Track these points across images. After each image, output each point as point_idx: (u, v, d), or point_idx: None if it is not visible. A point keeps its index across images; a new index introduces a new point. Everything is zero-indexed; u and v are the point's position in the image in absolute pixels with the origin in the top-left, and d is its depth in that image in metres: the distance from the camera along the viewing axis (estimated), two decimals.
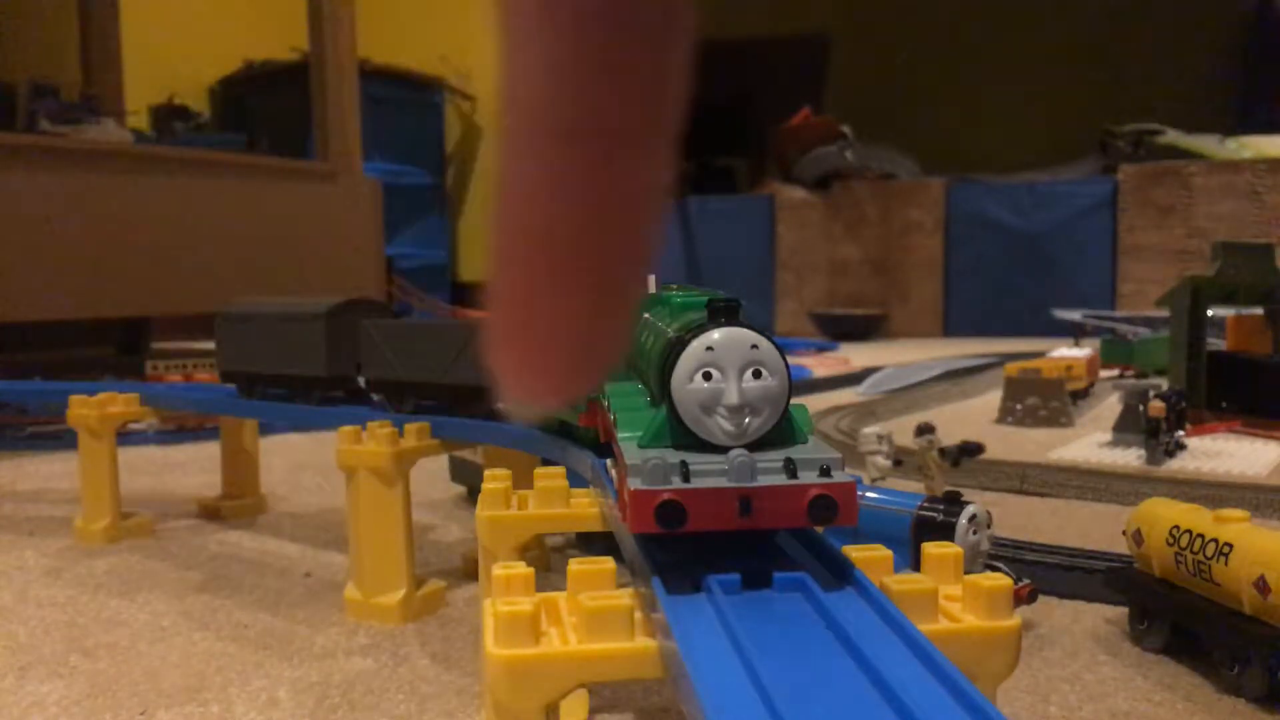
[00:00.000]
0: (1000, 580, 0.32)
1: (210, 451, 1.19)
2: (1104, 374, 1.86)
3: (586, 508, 0.48)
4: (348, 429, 0.68)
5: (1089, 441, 1.32)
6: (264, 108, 4.04)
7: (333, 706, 0.54)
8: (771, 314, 3.68)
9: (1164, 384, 1.37)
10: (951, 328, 3.50)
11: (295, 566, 0.82)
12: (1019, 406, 1.51)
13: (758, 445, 0.32)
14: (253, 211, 1.96)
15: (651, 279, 0.47)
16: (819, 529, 0.34)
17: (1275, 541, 0.53)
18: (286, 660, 0.61)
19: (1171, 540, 0.59)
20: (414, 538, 0.70)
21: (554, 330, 0.16)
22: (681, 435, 0.33)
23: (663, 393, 0.33)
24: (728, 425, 0.32)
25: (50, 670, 0.60)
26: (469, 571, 0.79)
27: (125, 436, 1.40)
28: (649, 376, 0.37)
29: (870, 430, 0.78)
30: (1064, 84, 4.00)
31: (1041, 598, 0.67)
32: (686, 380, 0.33)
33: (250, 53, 4.13)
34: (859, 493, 0.59)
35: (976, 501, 0.58)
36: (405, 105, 4.28)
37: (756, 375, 0.32)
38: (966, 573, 0.34)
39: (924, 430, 0.75)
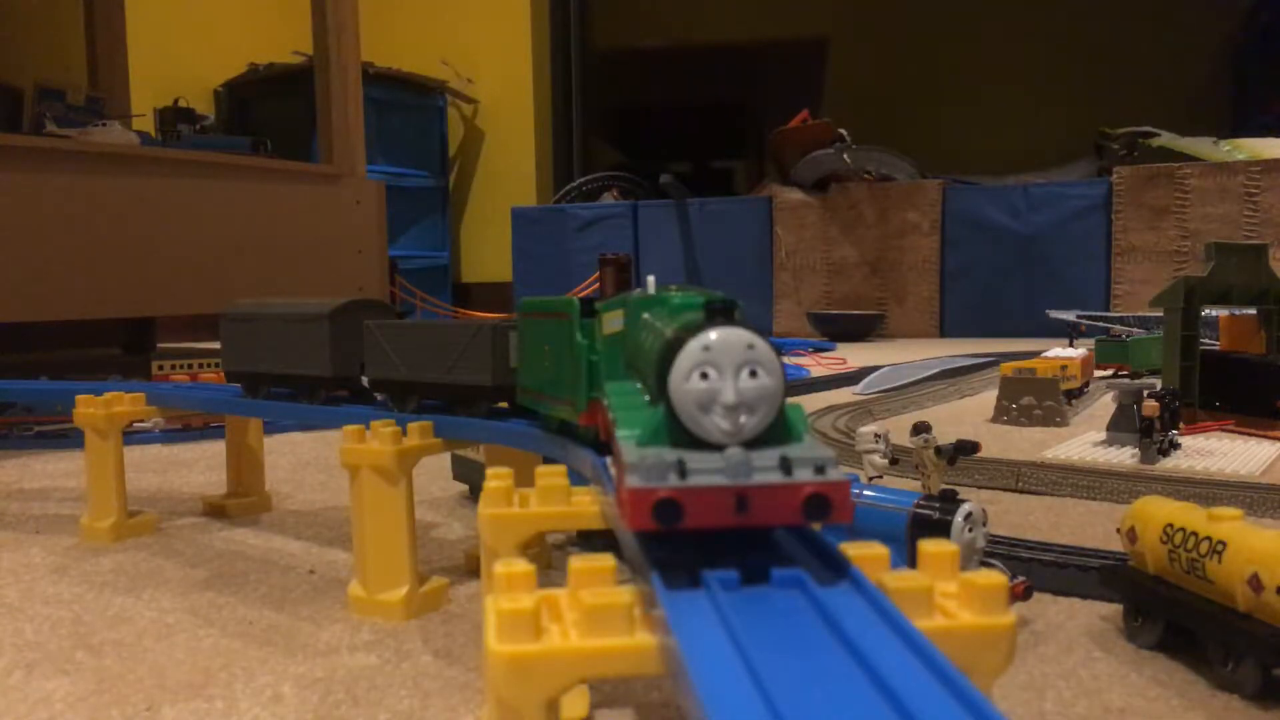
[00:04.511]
0: (996, 577, 0.32)
1: (215, 450, 1.19)
2: (1098, 374, 1.87)
3: (587, 506, 0.48)
4: (352, 428, 0.69)
5: (1083, 440, 1.32)
6: (269, 111, 4.06)
7: (336, 702, 0.55)
8: (770, 314, 3.69)
9: (1158, 383, 1.38)
10: (947, 328, 3.50)
11: (299, 564, 0.83)
12: (1014, 406, 1.51)
13: (753, 444, 0.33)
14: (257, 213, 1.97)
15: (651, 279, 0.47)
16: (815, 526, 0.35)
17: (1268, 540, 0.53)
18: (291, 656, 0.62)
19: (1165, 538, 0.59)
20: (417, 535, 0.70)
21: None
22: (679, 434, 0.33)
23: (660, 392, 0.34)
24: (724, 424, 0.32)
25: (56, 667, 0.61)
26: (471, 568, 0.79)
27: (131, 435, 1.41)
28: (647, 376, 0.38)
29: (867, 429, 0.78)
30: (1059, 87, 4.01)
31: (1036, 595, 0.68)
32: (684, 379, 0.33)
33: (255, 56, 4.14)
34: (856, 491, 0.60)
35: (972, 499, 0.59)
36: (408, 108, 4.29)
37: (752, 375, 0.33)
38: (962, 570, 0.34)
39: (920, 429, 0.76)
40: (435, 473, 1.11)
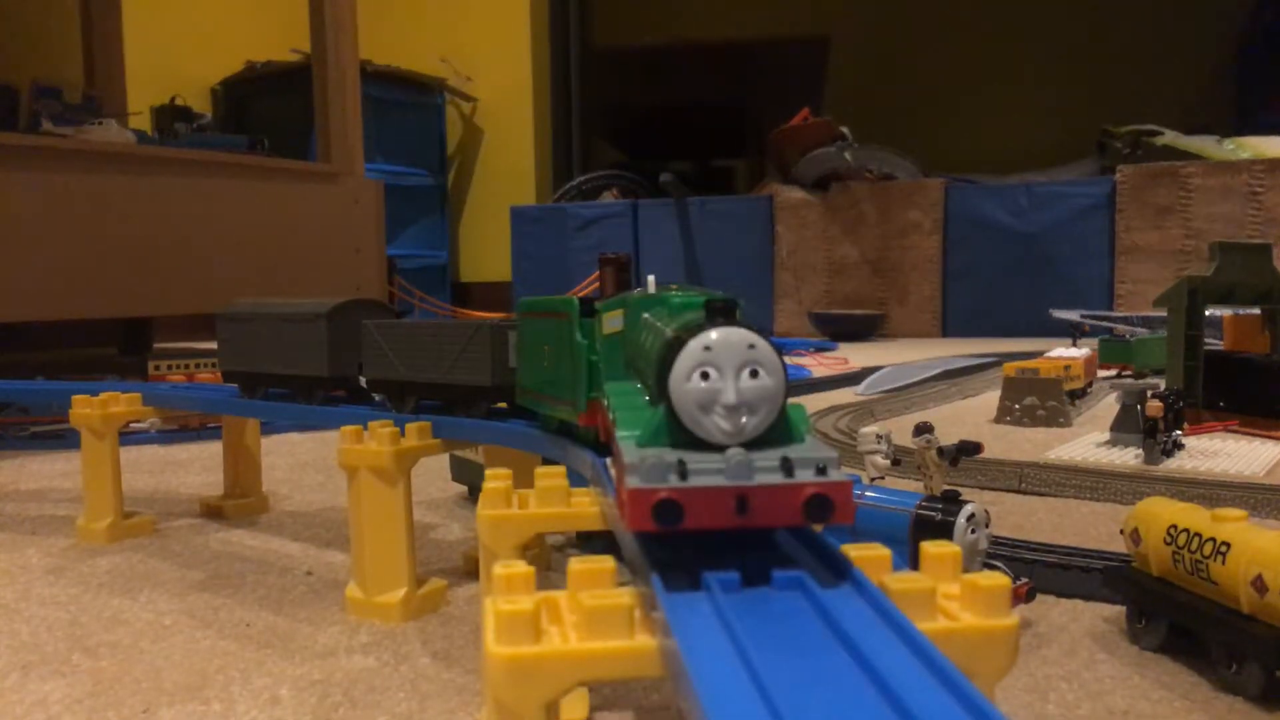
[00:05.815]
0: (998, 579, 0.32)
1: (212, 451, 1.19)
2: (1102, 374, 1.86)
3: (586, 507, 0.48)
4: (349, 428, 0.69)
5: (1087, 441, 1.32)
6: (266, 109, 4.06)
7: (334, 705, 0.55)
8: (770, 314, 3.68)
9: (1161, 384, 1.38)
10: (950, 328, 3.50)
11: (297, 565, 0.83)
12: (1017, 406, 1.51)
13: (755, 444, 0.32)
14: (255, 212, 1.96)
15: (651, 279, 0.47)
16: (816, 527, 0.34)
17: (1272, 541, 0.53)
18: (288, 658, 0.61)
19: (1169, 539, 0.59)
20: (415, 536, 0.70)
21: None
22: (679, 434, 0.33)
23: (661, 392, 0.33)
24: (725, 424, 0.32)
25: (53, 669, 0.61)
26: (470, 570, 0.79)
27: (128, 435, 1.41)
28: (648, 376, 0.37)
29: (869, 430, 0.78)
30: (1062, 85, 4.01)
31: (1039, 596, 0.67)
32: (684, 380, 0.33)
33: (252, 54, 4.14)
34: (858, 492, 0.60)
35: (975, 500, 0.58)
36: (406, 107, 4.29)
37: (753, 375, 0.33)
38: (965, 571, 0.34)
39: (922, 430, 0.75)
40: (434, 474, 1.11)
